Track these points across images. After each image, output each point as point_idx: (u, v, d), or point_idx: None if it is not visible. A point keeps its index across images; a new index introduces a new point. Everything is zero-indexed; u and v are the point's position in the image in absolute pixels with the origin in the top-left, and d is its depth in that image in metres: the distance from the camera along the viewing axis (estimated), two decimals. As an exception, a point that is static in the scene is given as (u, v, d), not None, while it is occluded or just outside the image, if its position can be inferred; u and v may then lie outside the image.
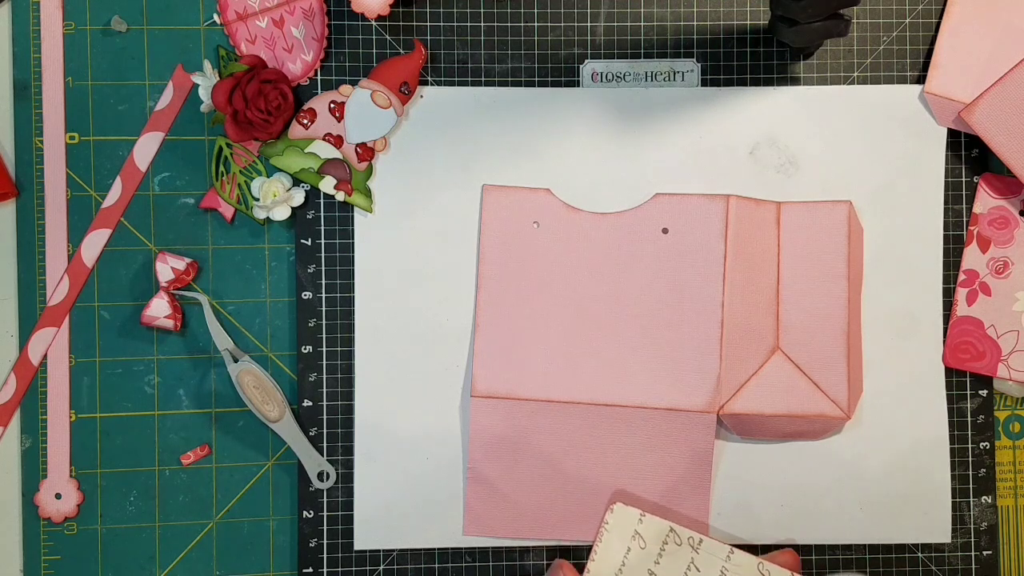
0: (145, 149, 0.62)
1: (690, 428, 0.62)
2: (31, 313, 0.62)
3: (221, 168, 0.62)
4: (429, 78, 0.63)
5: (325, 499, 0.62)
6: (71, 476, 0.62)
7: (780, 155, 0.63)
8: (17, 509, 0.62)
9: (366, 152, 0.62)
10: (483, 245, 0.63)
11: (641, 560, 0.60)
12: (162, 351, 0.63)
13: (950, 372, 0.64)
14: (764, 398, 0.61)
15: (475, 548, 0.63)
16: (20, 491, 0.62)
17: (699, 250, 0.62)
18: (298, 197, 0.62)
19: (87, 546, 0.62)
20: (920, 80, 0.64)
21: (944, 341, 0.64)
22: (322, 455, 0.62)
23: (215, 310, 0.63)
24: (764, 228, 0.63)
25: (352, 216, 0.63)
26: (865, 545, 0.64)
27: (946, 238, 0.64)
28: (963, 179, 0.64)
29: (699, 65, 0.64)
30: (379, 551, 0.63)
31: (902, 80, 0.64)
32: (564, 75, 0.63)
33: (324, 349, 0.62)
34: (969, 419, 0.64)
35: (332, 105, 0.61)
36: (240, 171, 0.62)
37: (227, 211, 0.62)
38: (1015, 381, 0.64)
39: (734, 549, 0.60)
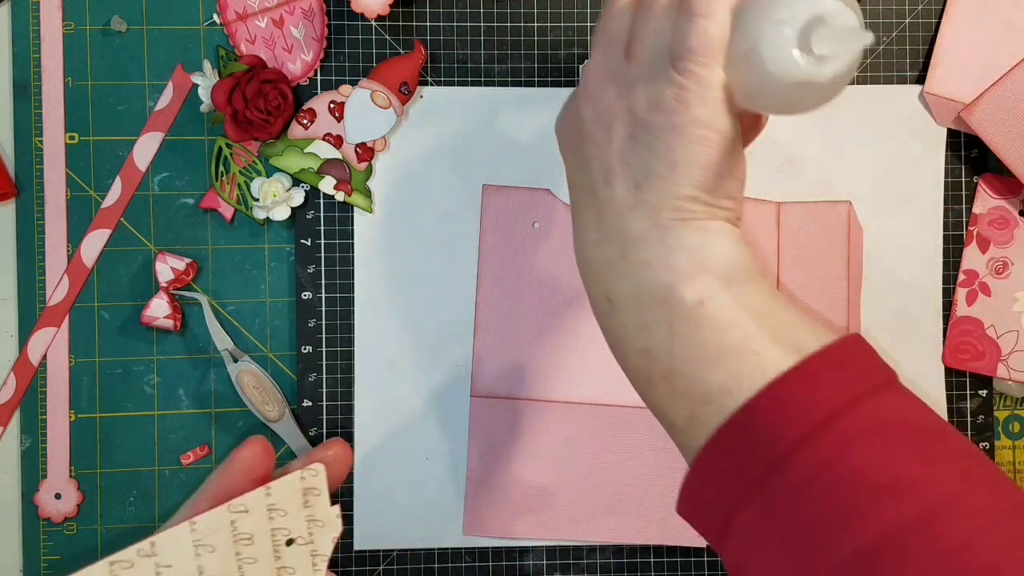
0: (145, 149, 0.62)
1: (690, 428, 0.62)
2: (31, 313, 0.62)
3: (221, 168, 0.61)
4: (429, 78, 0.63)
5: (325, 499, 0.62)
6: (71, 476, 0.62)
7: (780, 155, 0.63)
8: (17, 509, 0.62)
9: (366, 152, 0.62)
10: (483, 245, 0.63)
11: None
12: (162, 351, 0.62)
13: (950, 372, 0.64)
14: (764, 398, 0.61)
15: (475, 548, 0.63)
16: (20, 491, 0.62)
17: (699, 250, 0.62)
18: (298, 197, 0.62)
19: (87, 546, 0.62)
20: (920, 80, 0.64)
21: (944, 341, 0.64)
22: (322, 455, 0.62)
23: (215, 310, 0.62)
24: (763, 228, 0.63)
25: (352, 216, 0.62)
26: (865, 545, 0.64)
27: (946, 238, 0.64)
28: (963, 179, 0.64)
29: (699, 65, 0.63)
30: (379, 551, 0.62)
31: (902, 80, 0.64)
32: (564, 75, 0.63)
33: (324, 349, 0.62)
34: (969, 419, 0.64)
35: (332, 105, 0.61)
36: (240, 171, 0.62)
37: (227, 211, 0.62)
38: (1015, 381, 0.64)
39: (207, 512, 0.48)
